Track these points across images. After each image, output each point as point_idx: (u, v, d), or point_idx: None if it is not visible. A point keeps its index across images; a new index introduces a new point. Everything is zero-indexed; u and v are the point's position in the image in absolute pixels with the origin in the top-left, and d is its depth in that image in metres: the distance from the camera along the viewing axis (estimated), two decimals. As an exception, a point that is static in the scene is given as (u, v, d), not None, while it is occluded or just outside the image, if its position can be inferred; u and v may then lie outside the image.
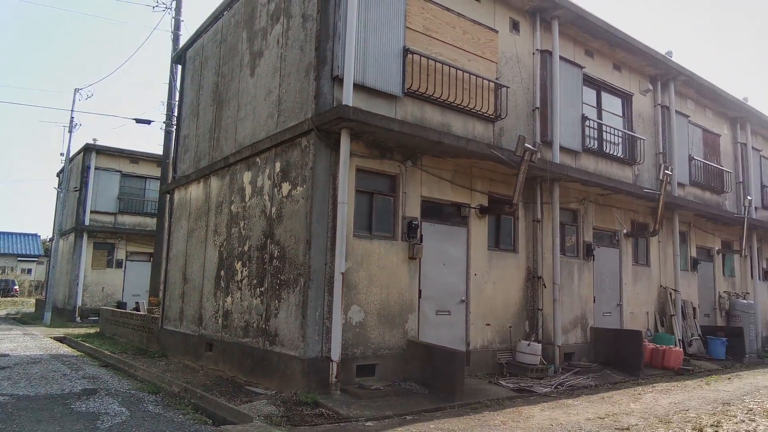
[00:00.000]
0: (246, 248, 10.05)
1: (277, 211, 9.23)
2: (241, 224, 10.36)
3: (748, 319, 16.17)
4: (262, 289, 9.33)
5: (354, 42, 8.61)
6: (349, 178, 8.57)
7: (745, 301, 16.65)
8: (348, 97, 8.40)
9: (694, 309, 15.26)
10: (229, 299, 10.39)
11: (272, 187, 9.51)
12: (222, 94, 12.09)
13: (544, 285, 11.24)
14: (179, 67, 15.45)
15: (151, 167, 25.55)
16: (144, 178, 25.79)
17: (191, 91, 14.01)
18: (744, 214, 16.50)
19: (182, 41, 17.28)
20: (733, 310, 16.41)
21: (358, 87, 8.81)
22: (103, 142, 27.90)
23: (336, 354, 7.88)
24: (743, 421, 6.88)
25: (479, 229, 10.51)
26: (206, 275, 11.46)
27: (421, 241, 9.46)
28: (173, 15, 20.32)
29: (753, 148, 18.68)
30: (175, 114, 15.46)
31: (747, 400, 8.41)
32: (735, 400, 8.50)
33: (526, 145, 9.80)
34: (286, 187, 9.11)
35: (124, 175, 25.42)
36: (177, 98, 15.11)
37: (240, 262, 10.19)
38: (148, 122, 20.43)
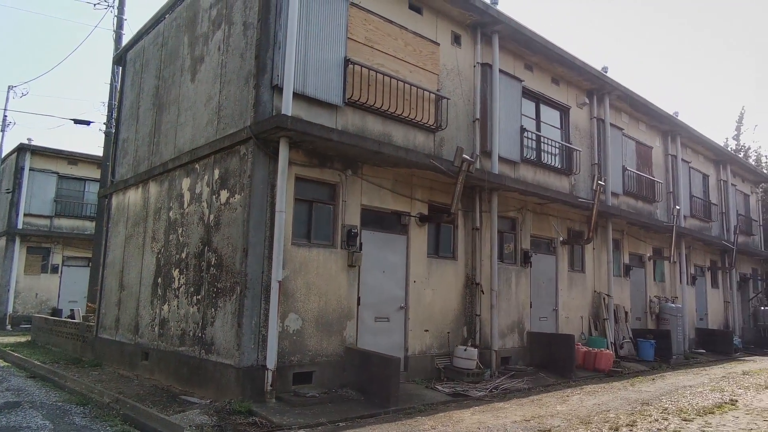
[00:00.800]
0: (184, 255, 9.92)
1: (215, 219, 9.17)
2: (180, 231, 10.22)
3: (676, 321, 17.03)
4: (199, 297, 9.24)
5: (294, 51, 8.66)
6: (288, 187, 8.61)
7: (673, 305, 17.53)
8: (287, 106, 8.45)
9: (626, 313, 15.97)
10: (166, 307, 10.23)
11: (211, 195, 9.43)
12: (162, 98, 11.89)
13: (482, 291, 11.55)
14: (120, 68, 15.09)
15: (91, 169, 24.73)
16: (83, 180, 24.93)
17: (131, 93, 13.72)
18: (673, 222, 17.38)
19: (125, 41, 16.87)
20: (662, 314, 17.25)
21: (299, 96, 8.86)
22: (39, 142, 26.87)
23: (271, 362, 7.89)
24: (656, 420, 7.30)
25: (419, 237, 10.73)
26: (143, 282, 11.23)
27: (361, 249, 9.58)
28: (116, 13, 19.84)
29: (683, 159, 19.71)
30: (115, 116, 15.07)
31: (664, 400, 8.90)
32: (653, 400, 8.98)
33: (464, 156, 10.09)
34: (224, 194, 9.06)
35: (62, 177, 24.50)
36: (117, 100, 14.74)
37: (177, 270, 10.05)
38: (87, 123, 19.91)
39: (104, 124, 17.75)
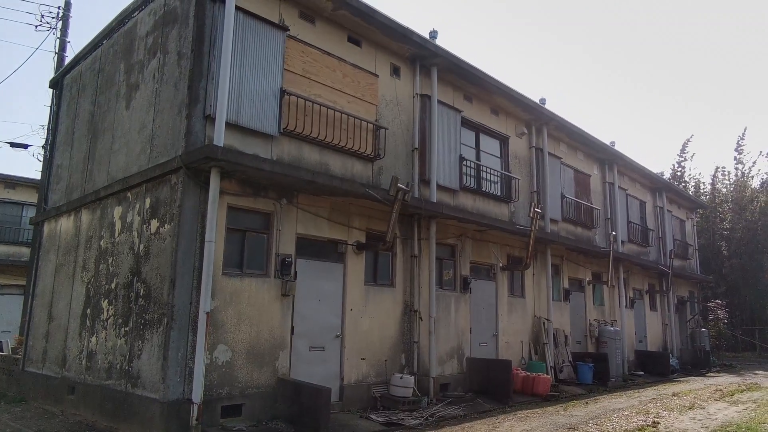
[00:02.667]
0: (113, 286, 9.69)
1: (145, 249, 9.01)
2: (110, 260, 9.99)
3: (615, 345, 17.53)
4: (127, 328, 9.01)
5: (228, 82, 8.71)
6: (220, 216, 8.58)
7: (612, 328, 18.06)
8: (219, 136, 8.45)
9: (566, 337, 16.34)
10: (94, 339, 9.93)
11: (141, 224, 9.29)
12: (97, 124, 11.70)
13: (420, 318, 11.67)
14: (56, 92, 14.77)
15: (31, 193, 23.83)
16: (21, 204, 24.01)
17: (67, 118, 13.44)
18: (610, 248, 18.00)
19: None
20: (601, 337, 17.73)
21: (232, 126, 8.90)
22: (-24, 165, 25.82)
23: (198, 396, 7.74)
24: (579, 447, 7.48)
25: (356, 264, 10.79)
26: (72, 313, 10.89)
27: (295, 278, 9.58)
28: (58, 35, 19.49)
29: (620, 187, 20.52)
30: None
31: (590, 424, 9.14)
32: (581, 424, 9.21)
33: (399, 185, 10.27)
34: (154, 224, 8.94)
35: (-2, 202, 23.58)
36: (52, 125, 14.40)
37: (107, 300, 9.80)
38: (25, 147, 19.24)
39: (41, 147, 17.25)
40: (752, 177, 36.15)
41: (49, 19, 20.23)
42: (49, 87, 15.05)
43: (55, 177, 13.36)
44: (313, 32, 10.57)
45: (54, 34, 19.84)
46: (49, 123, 17.90)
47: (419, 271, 11.94)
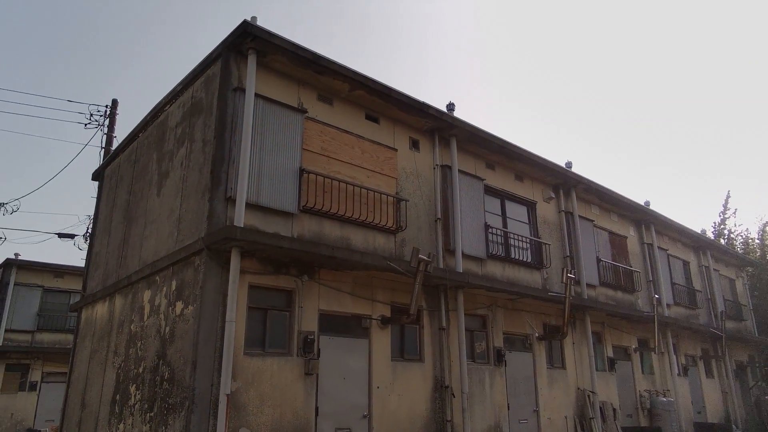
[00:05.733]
0: (141, 370, 9.75)
1: (170, 331, 9.11)
2: (139, 344, 10.12)
3: (670, 417, 16.34)
4: (152, 414, 8.97)
5: (248, 164, 9.06)
6: (240, 295, 8.66)
7: (665, 399, 16.91)
8: (239, 217, 8.69)
9: (614, 410, 15.36)
10: (121, 426, 9.89)
11: (168, 306, 9.45)
12: (132, 211, 12.23)
13: (452, 394, 11.22)
14: (98, 184, 15.61)
15: (78, 281, 24.73)
16: (68, 292, 24.87)
17: (106, 208, 14.11)
18: (654, 311, 17.18)
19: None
20: (654, 409, 16.59)
21: (253, 206, 9.15)
22: (27, 256, 27.13)
23: (218, 483, 7.53)
24: None
25: (382, 339, 10.59)
26: (103, 400, 10.94)
27: (319, 355, 9.44)
28: (105, 131, 20.85)
29: (659, 247, 19.83)
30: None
31: None
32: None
33: (420, 255, 10.20)
34: (179, 306, 9.08)
35: (47, 290, 24.49)
36: (93, 215, 15.13)
37: (134, 385, 9.84)
38: (72, 236, 20.13)
39: (83, 237, 18.07)
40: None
41: (97, 117, 21.77)
42: (92, 179, 15.94)
43: (94, 264, 13.86)
44: (331, 112, 10.99)
45: (101, 130, 21.32)
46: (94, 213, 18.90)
47: (448, 344, 11.62)
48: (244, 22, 9.37)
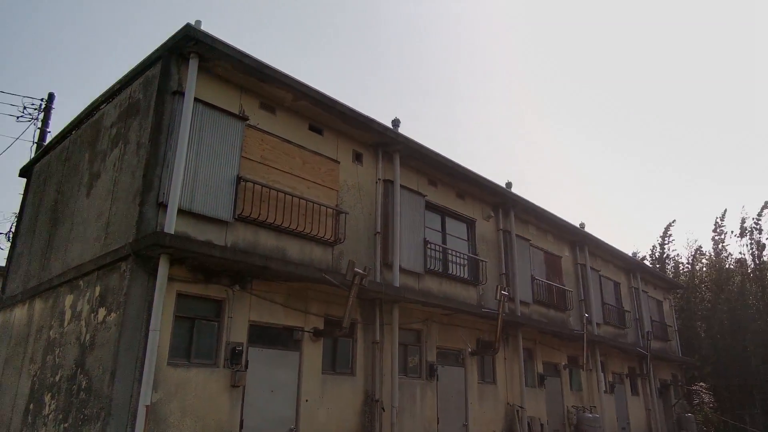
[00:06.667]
0: (57, 378, 9.31)
1: (91, 339, 8.76)
2: (57, 351, 9.67)
3: (595, 432, 16.89)
4: (66, 425, 8.56)
5: (183, 170, 8.88)
6: (167, 304, 8.44)
7: (591, 415, 17.47)
8: (170, 223, 8.49)
9: (542, 425, 15.75)
10: (33, 437, 9.40)
11: (90, 312, 9.09)
12: (59, 212, 11.73)
13: (382, 408, 11.24)
14: (26, 180, 14.90)
15: None
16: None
17: (32, 206, 13.49)
18: (584, 330, 17.77)
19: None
20: (580, 424, 17.11)
21: (186, 213, 8.96)
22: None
23: (130, 499, 7.26)
24: None
25: (313, 352, 10.52)
26: (16, 409, 10.37)
27: (246, 367, 9.28)
28: (38, 126, 19.94)
29: (592, 268, 20.59)
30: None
31: None
32: None
33: (356, 269, 10.22)
34: (102, 312, 8.75)
35: (-34, 291, 23.06)
36: (18, 214, 14.41)
37: (50, 394, 9.38)
38: (-6, 235, 19.09)
39: (5, 235, 17.16)
40: (729, 256, 36.53)
41: (31, 110, 20.80)
42: (19, 176, 15.19)
43: (15, 265, 13.19)
44: (273, 121, 10.91)
45: (35, 124, 20.38)
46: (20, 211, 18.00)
47: (381, 358, 11.65)
48: (187, 25, 9.22)
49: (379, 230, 12.44)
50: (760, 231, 35.44)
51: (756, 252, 35.30)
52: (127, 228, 8.87)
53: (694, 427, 23.47)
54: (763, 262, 34.73)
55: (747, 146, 70.00)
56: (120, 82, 10.66)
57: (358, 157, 12.63)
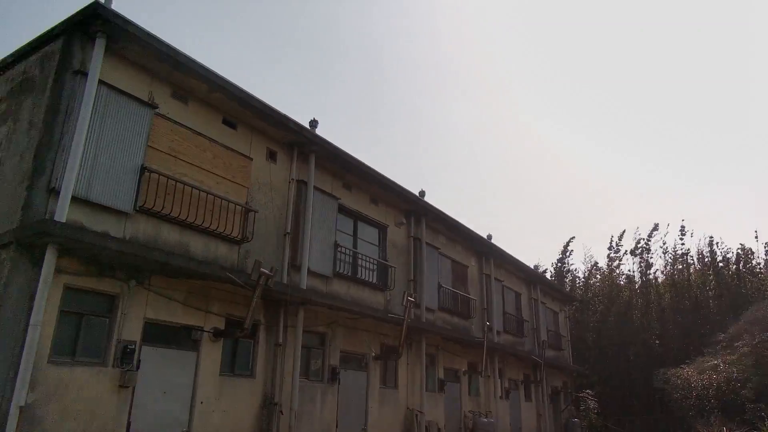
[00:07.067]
0: None
1: (-39, 332, 7.99)
2: None
3: (490, 437, 17.56)
4: (-76, 426, 7.76)
5: (80, 155, 8.34)
6: (52, 297, 7.87)
7: (486, 419, 18.16)
8: (62, 211, 7.94)
9: (439, 429, 16.18)
10: None
11: (-38, 303, 8.29)
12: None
13: (281, 412, 11.08)
14: None
15: None
16: None
17: None
18: (484, 338, 18.46)
19: None
20: (476, 429, 17.73)
21: (81, 201, 8.43)
22: None
23: (-6, 508, 6.69)
24: None
25: (212, 353, 10.19)
26: None
27: (138, 367, 8.83)
28: None
29: (496, 279, 21.45)
30: None
31: None
32: None
33: (262, 269, 10.03)
34: (-24, 304, 8.01)
35: None
36: None
37: None
38: None
39: None
40: (620, 273, 39.35)
41: None
42: None
43: None
44: (185, 112, 10.50)
45: None
46: None
47: (283, 361, 11.49)
48: (96, 2, 8.68)
49: (289, 231, 12.27)
50: (649, 251, 38.58)
51: (643, 270, 38.33)
52: (11, 213, 8.20)
53: (578, 430, 24.98)
54: (648, 279, 37.75)
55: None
56: (13, 55, 9.84)
57: (272, 155, 12.41)
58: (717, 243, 37.60)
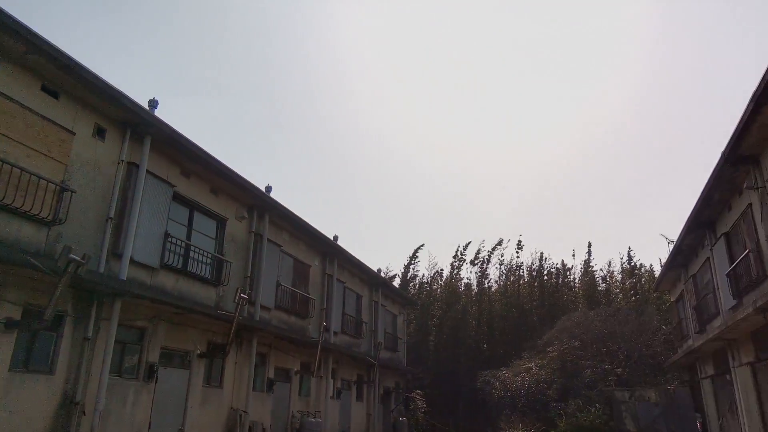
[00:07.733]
0: None
1: None
2: None
3: (316, 436, 17.66)
4: None
5: None
6: None
7: (313, 419, 18.25)
8: None
9: (263, 429, 15.93)
10: None
11: None
12: None
13: (83, 412, 10.15)
14: None
15: None
16: None
17: None
18: (320, 338, 18.57)
19: None
20: (302, 429, 17.74)
21: None
22: None
23: None
24: None
25: (2, 346, 9.03)
26: None
27: None
28: None
29: (338, 279, 21.71)
30: None
31: None
32: None
33: (71, 255, 9.10)
34: None
35: None
36: None
37: None
38: None
39: None
40: (459, 281, 41.97)
41: None
42: None
43: None
44: (-7, 71, 9.24)
45: None
46: None
47: (92, 357, 10.55)
48: None
49: (112, 216, 11.31)
50: (489, 262, 41.65)
51: (480, 279, 41.29)
52: None
53: (406, 429, 26.14)
54: (484, 288, 40.75)
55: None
56: None
57: (100, 133, 11.37)
58: (545, 258, 41.81)
